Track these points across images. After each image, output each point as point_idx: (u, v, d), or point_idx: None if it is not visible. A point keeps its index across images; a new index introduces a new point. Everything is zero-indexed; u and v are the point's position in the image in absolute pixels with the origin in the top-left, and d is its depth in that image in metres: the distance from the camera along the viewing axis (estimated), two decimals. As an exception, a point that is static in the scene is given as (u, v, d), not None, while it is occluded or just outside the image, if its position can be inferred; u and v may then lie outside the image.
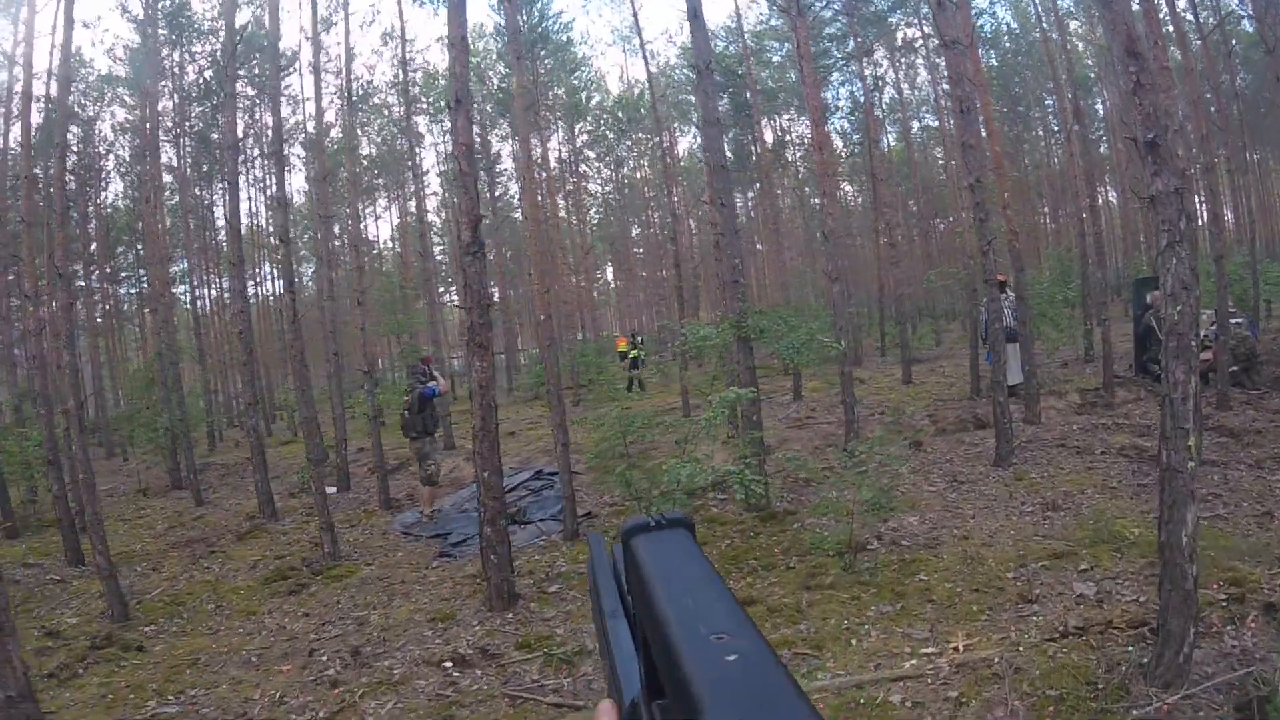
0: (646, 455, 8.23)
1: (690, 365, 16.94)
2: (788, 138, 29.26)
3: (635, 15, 17.22)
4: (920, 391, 14.31)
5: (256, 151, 24.76)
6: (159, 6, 16.59)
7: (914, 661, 4.41)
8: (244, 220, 18.32)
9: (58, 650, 6.66)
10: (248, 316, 11.22)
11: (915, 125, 29.59)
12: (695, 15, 8.38)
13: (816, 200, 24.65)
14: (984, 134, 11.68)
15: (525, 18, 22.01)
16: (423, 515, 9.87)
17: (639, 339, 22.65)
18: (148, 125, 14.60)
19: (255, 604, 7.55)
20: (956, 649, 4.45)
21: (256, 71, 20.67)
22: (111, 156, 24.54)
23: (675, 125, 29.26)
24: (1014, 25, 26.88)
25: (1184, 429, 3.70)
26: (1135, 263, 24.10)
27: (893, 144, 28.72)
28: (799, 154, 29.69)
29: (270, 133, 18.14)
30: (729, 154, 25.90)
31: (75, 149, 23.31)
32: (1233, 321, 11.07)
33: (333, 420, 13.18)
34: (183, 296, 26.87)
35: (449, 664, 5.44)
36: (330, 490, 12.33)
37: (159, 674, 5.94)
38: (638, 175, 34.16)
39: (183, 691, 5.58)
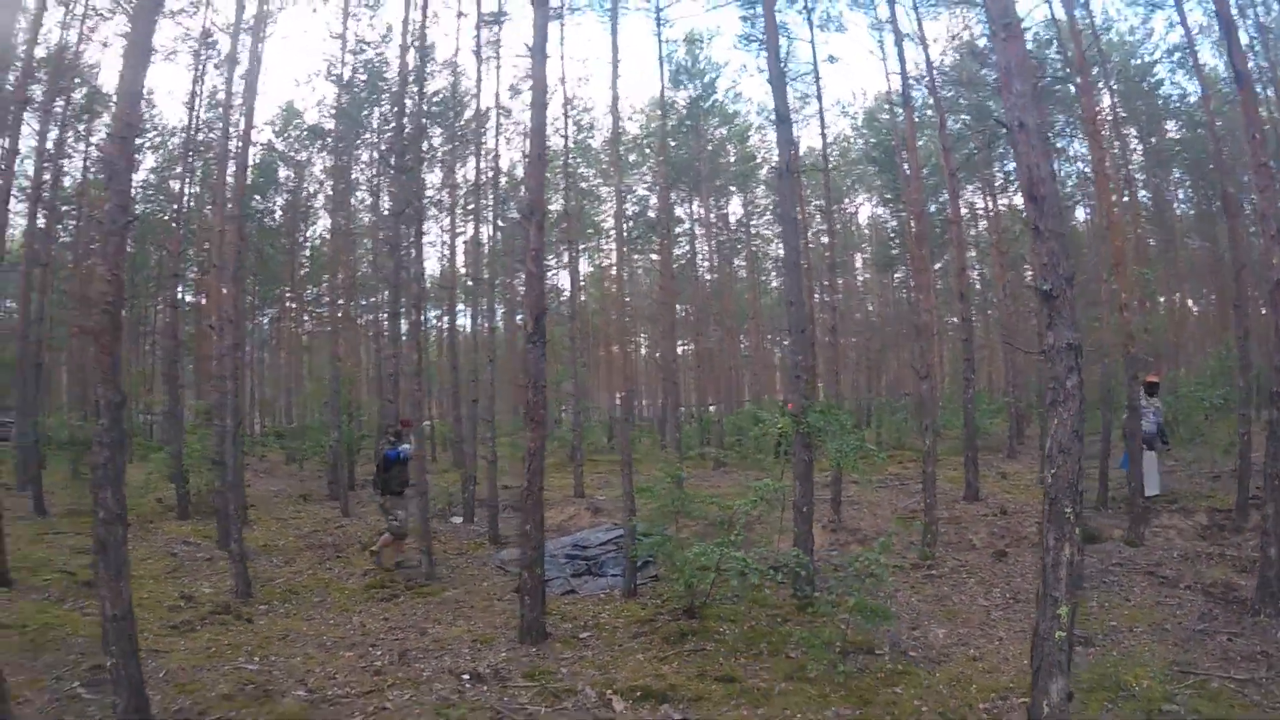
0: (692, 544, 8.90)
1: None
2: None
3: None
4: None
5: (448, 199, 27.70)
6: (355, 76, 19.25)
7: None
8: (432, 264, 20.61)
9: (186, 610, 8.49)
10: (397, 362, 12.91)
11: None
12: (783, 120, 9.26)
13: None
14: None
15: (690, 91, 23.53)
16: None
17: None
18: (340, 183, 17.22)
19: (351, 604, 9.09)
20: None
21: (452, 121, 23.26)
22: (320, 196, 28.13)
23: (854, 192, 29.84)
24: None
25: (1054, 597, 4.18)
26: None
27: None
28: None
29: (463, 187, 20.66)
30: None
31: (288, 187, 27.29)
32: None
33: (467, 458, 14.88)
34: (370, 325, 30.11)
35: (465, 676, 6.57)
36: (456, 520, 13.99)
37: (254, 641, 7.56)
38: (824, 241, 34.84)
39: (266, 656, 7.11)
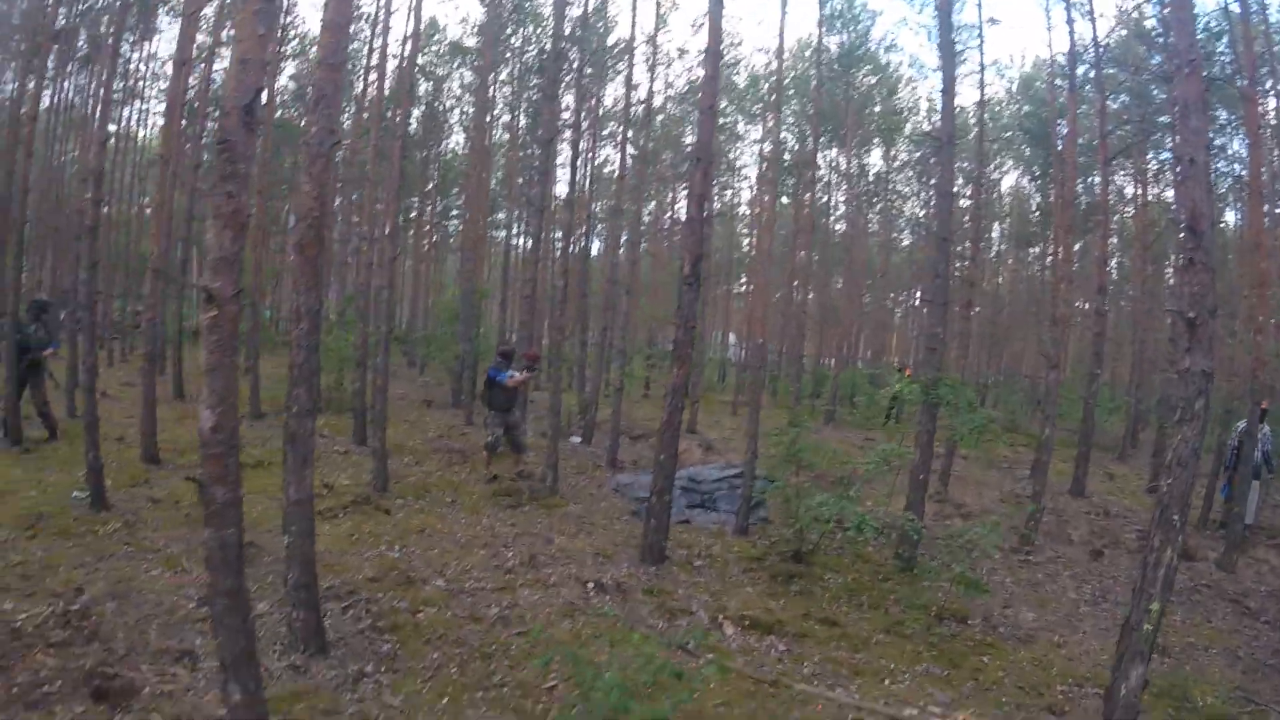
0: (836, 483, 9.40)
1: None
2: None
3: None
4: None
5: (587, 123, 28.11)
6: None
7: (914, 711, 5.59)
8: (565, 187, 21.21)
9: (328, 498, 9.45)
10: (534, 284, 13.66)
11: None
12: (948, 91, 9.41)
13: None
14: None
15: (841, 37, 23.19)
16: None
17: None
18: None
19: (480, 507, 10.01)
20: (959, 718, 5.59)
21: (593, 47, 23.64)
22: (456, 112, 28.99)
23: (1000, 160, 29.13)
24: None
25: (1149, 593, 4.64)
26: None
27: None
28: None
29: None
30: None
31: (424, 101, 28.15)
32: None
33: (590, 382, 15.70)
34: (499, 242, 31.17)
35: (590, 585, 7.39)
36: (575, 440, 14.91)
37: (393, 531, 8.52)
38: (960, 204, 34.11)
39: (405, 546, 8.04)
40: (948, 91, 9.51)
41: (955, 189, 18.89)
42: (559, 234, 26.99)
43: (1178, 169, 5.07)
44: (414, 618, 6.26)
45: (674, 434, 8.25)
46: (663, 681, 4.26)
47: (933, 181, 22.45)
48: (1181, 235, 4.86)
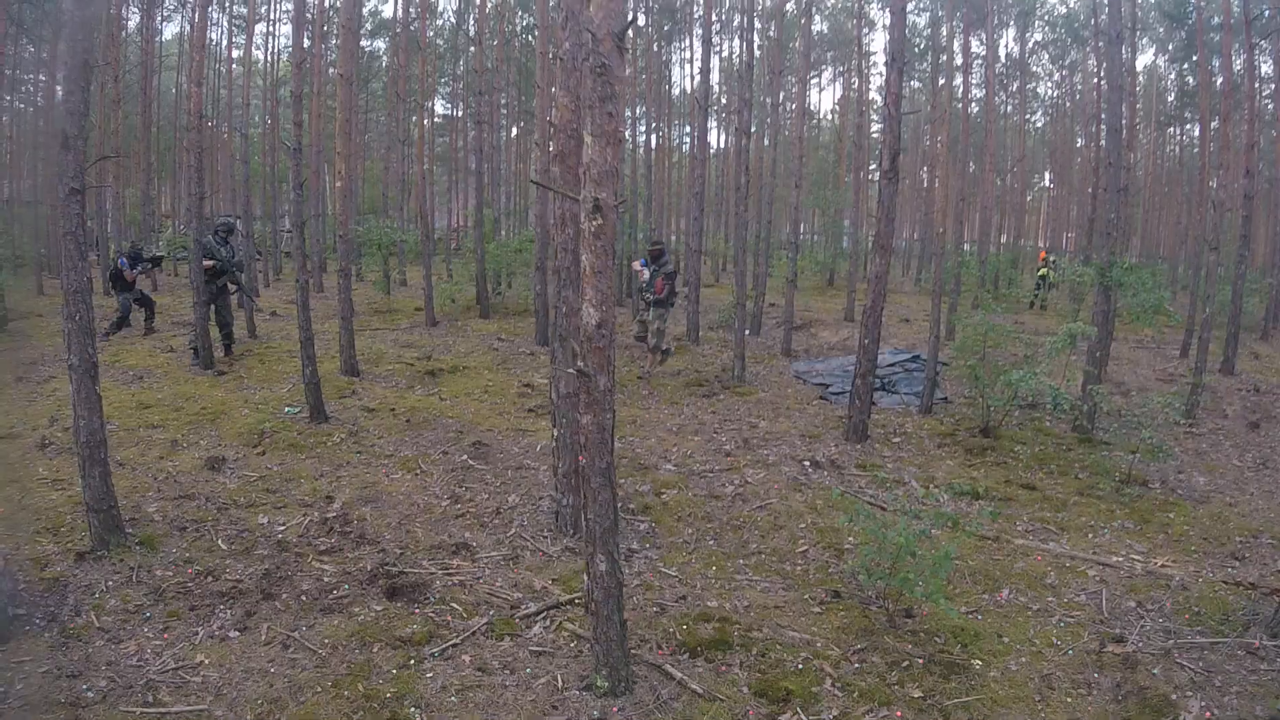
0: (1014, 364, 10.35)
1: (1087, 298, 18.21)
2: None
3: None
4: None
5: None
6: None
7: (1119, 559, 6.70)
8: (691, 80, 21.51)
9: (533, 396, 10.84)
10: (703, 180, 14.46)
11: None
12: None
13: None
14: None
15: None
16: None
17: (1052, 259, 23.65)
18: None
19: (678, 398, 11.31)
20: (1157, 564, 6.67)
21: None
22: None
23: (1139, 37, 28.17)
24: None
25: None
26: None
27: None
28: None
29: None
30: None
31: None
32: None
33: (753, 276, 16.67)
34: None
35: (806, 462, 8.65)
36: (744, 332, 16.07)
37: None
38: (1094, 81, 33.31)
39: (623, 437, 9.23)
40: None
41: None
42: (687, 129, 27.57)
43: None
44: (659, 499, 7.47)
45: (876, 320, 9.31)
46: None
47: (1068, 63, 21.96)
48: None
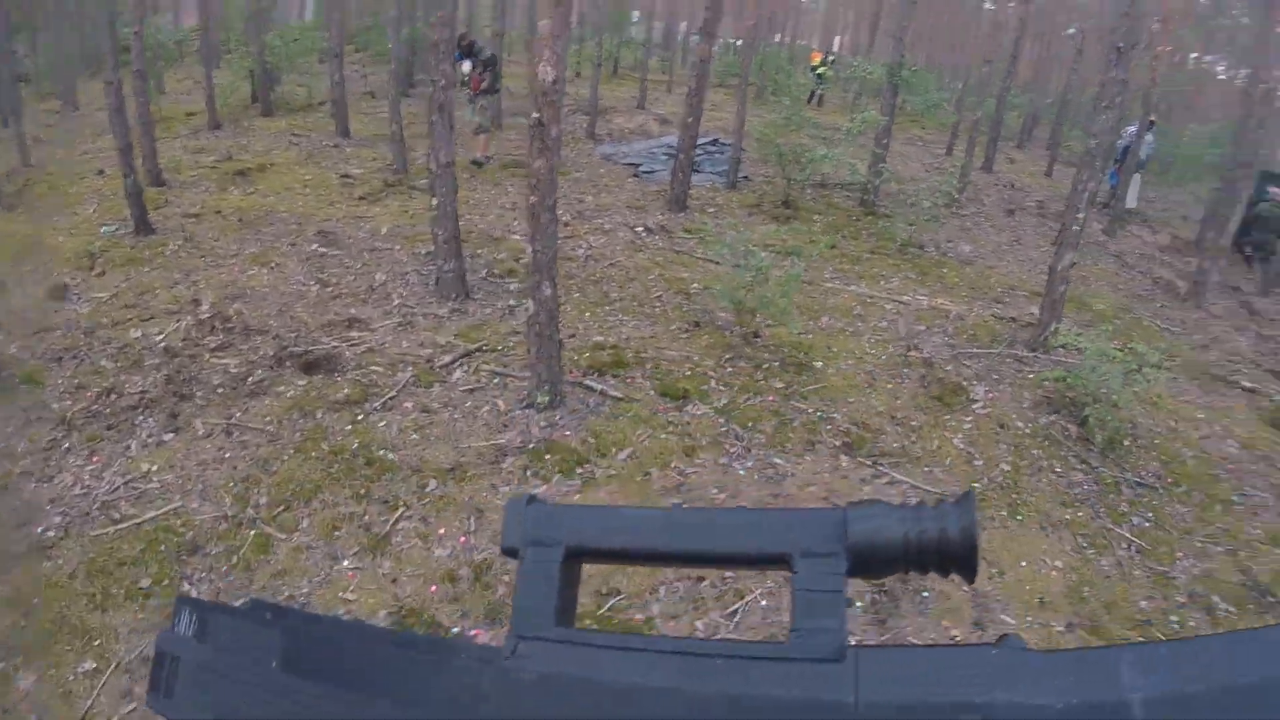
0: (802, 148, 11.47)
1: (865, 97, 19.97)
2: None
3: None
4: (1053, 185, 17.06)
5: None
6: None
7: (908, 298, 8.24)
8: None
9: (358, 185, 10.94)
10: None
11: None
12: None
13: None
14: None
15: None
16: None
17: (830, 58, 25.18)
18: None
19: (500, 180, 11.75)
20: (938, 302, 8.27)
21: None
22: None
23: None
24: None
25: (1079, 211, 7.11)
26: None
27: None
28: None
29: None
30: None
31: None
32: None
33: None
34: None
35: (639, 228, 9.63)
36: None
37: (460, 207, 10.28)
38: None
39: (464, 216, 9.43)
40: None
41: None
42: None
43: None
44: (518, 264, 8.15)
45: (699, 100, 10.16)
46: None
47: None
48: None
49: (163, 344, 6.25)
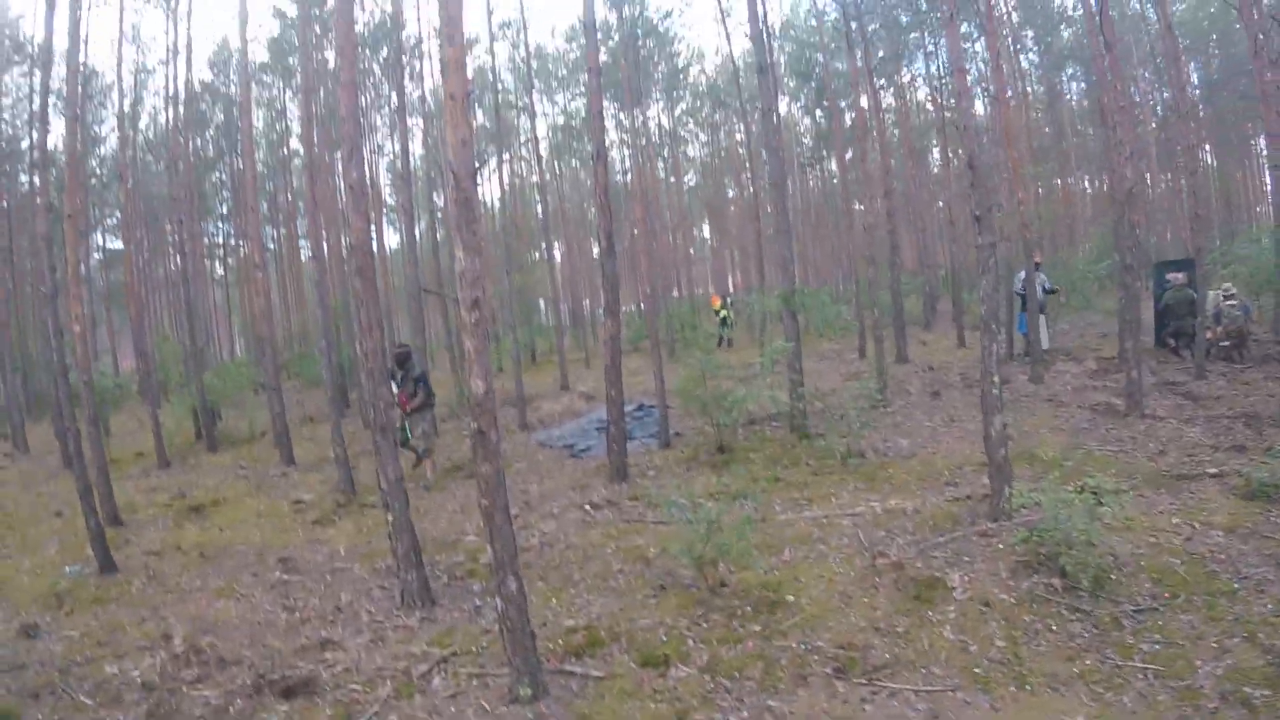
0: (723, 393, 12.02)
1: (770, 327, 21.01)
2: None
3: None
4: (968, 354, 17.87)
5: (377, 120, 29.28)
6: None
7: (862, 508, 8.35)
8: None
9: (310, 510, 11.10)
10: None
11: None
12: (763, 70, 12.23)
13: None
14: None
15: (630, 10, 25.84)
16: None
17: (729, 300, 26.66)
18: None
19: (447, 486, 11.91)
20: (891, 504, 8.38)
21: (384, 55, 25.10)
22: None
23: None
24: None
25: (991, 375, 7.46)
26: (1166, 245, 27.47)
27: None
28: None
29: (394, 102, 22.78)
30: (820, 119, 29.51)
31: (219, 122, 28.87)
32: (1228, 303, 14.37)
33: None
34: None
35: (587, 506, 9.71)
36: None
37: (416, 518, 10.25)
38: (736, 138, 38.01)
39: (444, 520, 9.94)
40: (763, 71, 12.43)
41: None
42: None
43: (960, 133, 7.87)
44: (477, 562, 8.12)
45: (617, 375, 10.61)
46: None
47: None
48: (968, 169, 7.69)
49: (140, 679, 6.12)
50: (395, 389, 11.70)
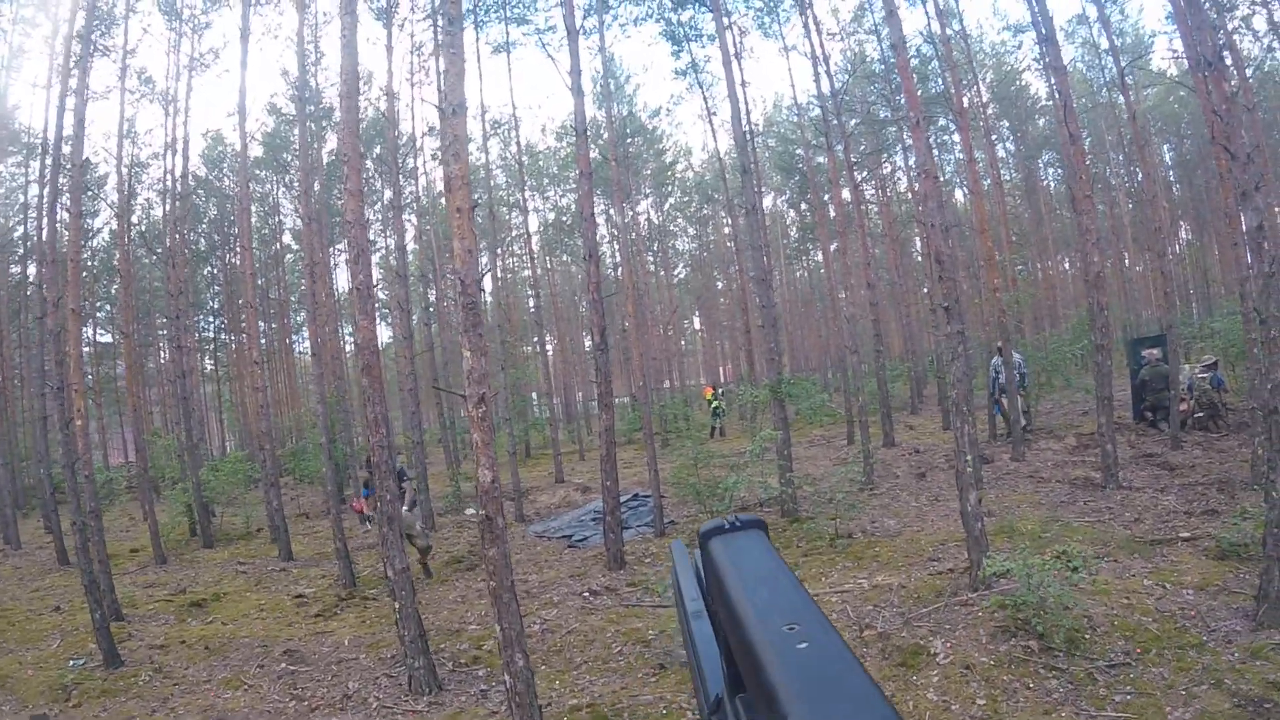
0: (716, 481, 12.66)
1: (760, 415, 21.61)
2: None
3: (706, 102, 22.23)
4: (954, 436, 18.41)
5: (369, 215, 30.29)
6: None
7: (851, 585, 8.81)
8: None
9: (312, 604, 11.42)
10: (414, 376, 15.91)
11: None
12: (746, 171, 13.02)
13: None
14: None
15: (618, 109, 27.08)
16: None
17: (720, 390, 27.29)
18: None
19: (447, 578, 12.27)
20: (878, 580, 8.84)
21: (377, 152, 26.16)
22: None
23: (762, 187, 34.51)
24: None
25: (964, 454, 8.00)
26: (1142, 321, 28.39)
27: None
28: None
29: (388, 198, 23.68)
30: (805, 212, 30.69)
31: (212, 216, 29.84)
32: (1200, 375, 15.02)
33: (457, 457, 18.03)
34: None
35: (587, 594, 10.11)
36: (470, 511, 17.25)
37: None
38: (724, 231, 39.17)
39: (450, 613, 10.26)
40: (746, 172, 13.21)
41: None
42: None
43: (922, 229, 8.58)
44: (482, 650, 8.58)
45: (612, 465, 11.12)
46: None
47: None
48: (935, 264, 8.36)
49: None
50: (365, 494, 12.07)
